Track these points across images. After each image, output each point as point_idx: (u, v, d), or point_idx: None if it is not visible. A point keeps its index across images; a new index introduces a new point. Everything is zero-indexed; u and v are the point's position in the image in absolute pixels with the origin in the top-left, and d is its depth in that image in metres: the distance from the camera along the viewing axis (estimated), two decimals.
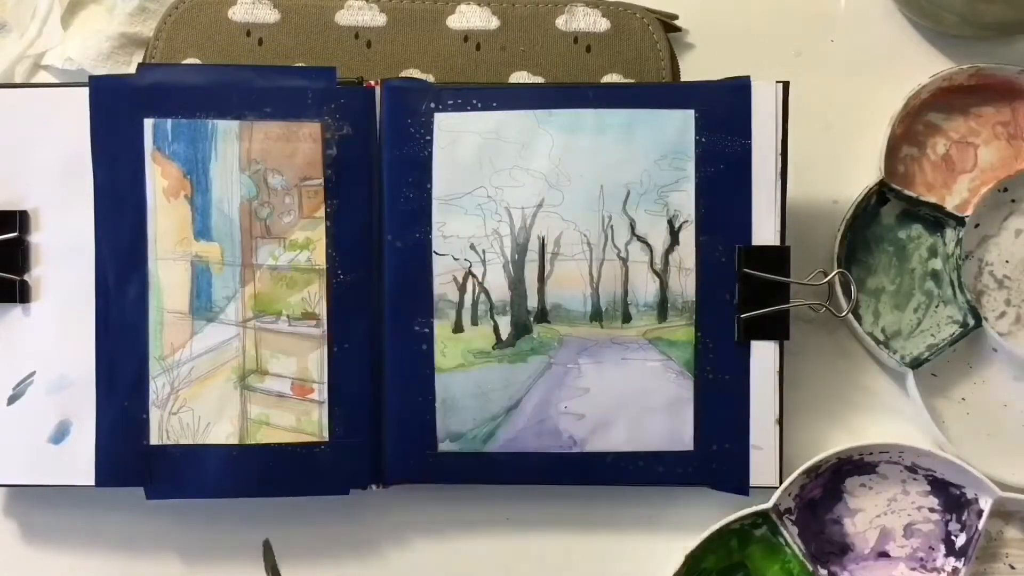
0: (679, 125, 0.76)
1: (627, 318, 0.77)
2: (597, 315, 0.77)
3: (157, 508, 0.80)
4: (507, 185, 0.77)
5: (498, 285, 0.77)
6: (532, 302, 0.77)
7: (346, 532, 0.82)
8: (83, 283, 0.77)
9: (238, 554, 0.82)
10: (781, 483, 0.78)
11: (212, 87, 0.76)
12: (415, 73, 0.82)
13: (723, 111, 0.76)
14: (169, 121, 0.76)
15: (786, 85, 0.76)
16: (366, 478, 0.78)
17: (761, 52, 0.86)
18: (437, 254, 0.77)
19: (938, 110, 0.86)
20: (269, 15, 0.83)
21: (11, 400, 0.77)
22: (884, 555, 0.83)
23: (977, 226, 0.84)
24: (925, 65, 0.85)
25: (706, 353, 0.77)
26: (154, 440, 0.77)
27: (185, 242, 0.76)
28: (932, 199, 0.83)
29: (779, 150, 0.76)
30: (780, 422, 0.78)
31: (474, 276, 0.77)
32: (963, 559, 0.81)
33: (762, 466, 0.78)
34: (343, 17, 0.83)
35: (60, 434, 0.77)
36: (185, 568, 0.83)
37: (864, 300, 0.84)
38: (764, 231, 0.77)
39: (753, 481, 0.78)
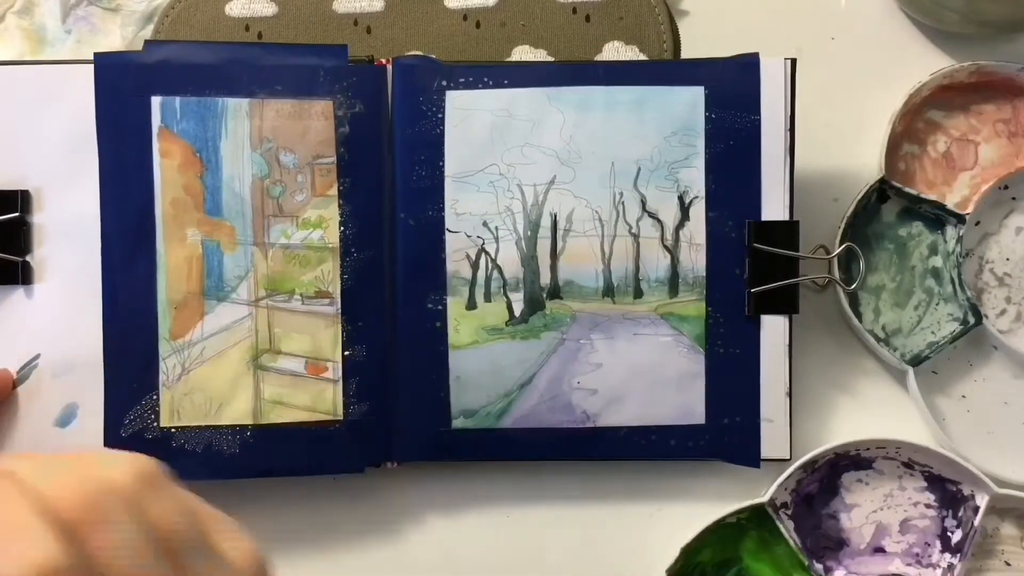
0: (689, 102, 0.77)
1: (639, 294, 0.78)
2: (609, 291, 0.78)
3: None
4: (519, 162, 0.77)
5: (511, 262, 0.77)
6: (545, 278, 0.78)
7: (361, 510, 0.82)
8: (88, 264, 0.76)
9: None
10: (792, 456, 0.79)
11: (221, 64, 0.76)
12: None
13: (732, 88, 0.77)
14: (177, 99, 0.76)
15: (794, 62, 0.77)
16: (381, 456, 0.78)
17: (761, 50, 0.86)
18: (450, 231, 0.77)
19: (939, 107, 0.86)
20: (267, 8, 0.83)
21: (15, 384, 0.76)
22: (880, 550, 0.83)
23: (978, 224, 0.85)
24: (926, 63, 0.86)
25: (717, 328, 0.78)
26: (165, 422, 0.76)
27: (195, 221, 0.76)
28: (933, 197, 0.84)
29: (787, 126, 0.77)
30: (790, 395, 0.78)
31: (487, 253, 0.77)
32: (959, 555, 0.81)
33: (773, 438, 0.78)
34: (341, 5, 0.83)
35: (67, 417, 0.76)
36: None
37: (864, 297, 0.84)
38: (773, 206, 0.78)
39: (764, 453, 0.78)
